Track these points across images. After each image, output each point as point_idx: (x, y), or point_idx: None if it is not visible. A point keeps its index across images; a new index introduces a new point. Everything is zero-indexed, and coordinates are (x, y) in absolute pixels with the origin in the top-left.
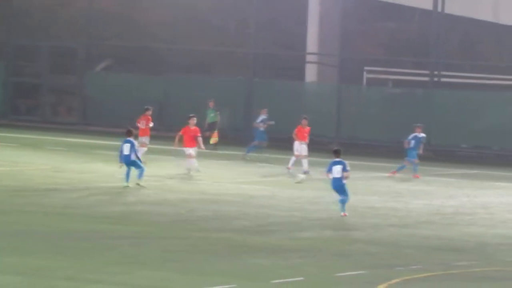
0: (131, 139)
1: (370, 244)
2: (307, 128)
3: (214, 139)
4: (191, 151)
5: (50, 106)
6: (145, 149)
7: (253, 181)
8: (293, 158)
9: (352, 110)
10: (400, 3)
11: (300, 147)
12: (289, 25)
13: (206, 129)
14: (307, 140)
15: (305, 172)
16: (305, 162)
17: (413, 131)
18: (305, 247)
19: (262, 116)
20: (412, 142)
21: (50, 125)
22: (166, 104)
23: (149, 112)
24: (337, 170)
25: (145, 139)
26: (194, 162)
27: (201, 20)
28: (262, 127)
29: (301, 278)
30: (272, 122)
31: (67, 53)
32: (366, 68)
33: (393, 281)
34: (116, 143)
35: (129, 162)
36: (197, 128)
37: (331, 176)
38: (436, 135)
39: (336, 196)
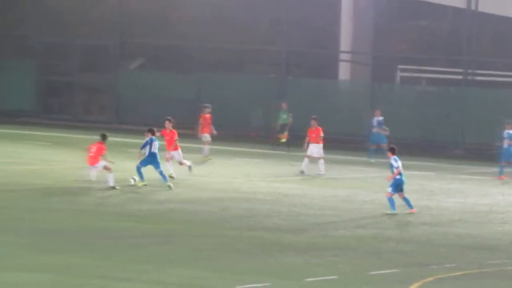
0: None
1: (403, 243)
2: (317, 129)
3: (283, 138)
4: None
5: (82, 104)
6: (208, 146)
7: (286, 180)
8: (305, 160)
9: (385, 108)
10: (433, 1)
11: (312, 148)
12: (322, 23)
13: (278, 131)
14: (318, 141)
15: (320, 173)
16: (320, 163)
17: (505, 128)
18: (338, 245)
19: (377, 118)
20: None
21: (82, 123)
22: (198, 102)
23: (208, 110)
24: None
25: (205, 137)
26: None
27: (232, 18)
28: (382, 131)
29: (335, 277)
30: (386, 131)
31: (99, 51)
32: (399, 66)
33: (427, 279)
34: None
35: (151, 161)
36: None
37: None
38: (470, 133)
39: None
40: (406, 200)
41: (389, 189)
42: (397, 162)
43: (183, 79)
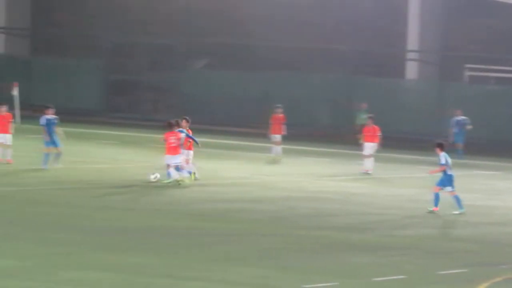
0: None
1: (470, 242)
2: (374, 127)
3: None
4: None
5: (149, 103)
6: (279, 147)
7: (353, 179)
8: (365, 160)
9: (453, 107)
10: (501, 0)
11: (367, 147)
12: (389, 21)
13: (357, 131)
14: (373, 140)
15: (366, 172)
16: (367, 162)
17: None
18: (405, 244)
19: (457, 118)
20: None
21: (149, 122)
22: (264, 101)
23: (280, 110)
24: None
25: (275, 137)
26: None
27: (298, 17)
28: (467, 128)
29: (403, 276)
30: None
31: (166, 50)
32: (467, 65)
33: (495, 279)
34: (216, 140)
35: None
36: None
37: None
38: None
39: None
40: (456, 198)
41: (438, 185)
42: (444, 158)
43: (249, 78)
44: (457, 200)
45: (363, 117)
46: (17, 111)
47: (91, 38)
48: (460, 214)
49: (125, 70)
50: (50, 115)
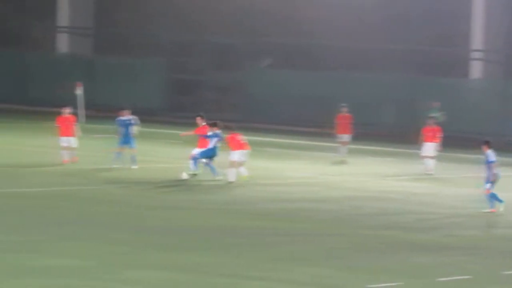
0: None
1: None
2: (434, 128)
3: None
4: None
5: (212, 102)
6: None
7: (417, 179)
8: (425, 161)
9: None
10: None
11: (427, 147)
12: (452, 20)
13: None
14: (433, 140)
15: (427, 173)
16: (428, 162)
17: None
18: (469, 244)
19: None
20: None
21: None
22: (328, 100)
23: (345, 110)
24: None
25: (342, 137)
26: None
27: (363, 16)
28: None
29: (468, 276)
30: None
31: (228, 49)
32: None
33: None
34: (280, 140)
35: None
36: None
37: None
38: None
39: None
40: (494, 196)
41: (487, 186)
42: (493, 156)
43: (313, 77)
44: (493, 197)
45: (437, 115)
46: (81, 111)
47: (154, 37)
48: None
49: (189, 69)
50: (126, 116)
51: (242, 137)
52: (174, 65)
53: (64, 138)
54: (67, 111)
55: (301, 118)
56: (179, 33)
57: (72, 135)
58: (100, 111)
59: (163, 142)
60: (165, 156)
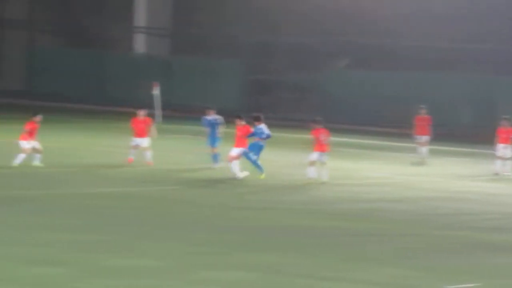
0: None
1: None
2: (509, 129)
3: None
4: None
5: (290, 103)
6: (424, 148)
7: (494, 179)
8: (497, 162)
9: None
10: None
11: (502, 149)
12: None
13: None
14: (507, 142)
15: (496, 173)
16: (499, 163)
17: None
18: None
19: None
20: None
21: (291, 122)
22: (404, 101)
23: (424, 111)
24: None
25: (420, 138)
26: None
27: (440, 15)
28: None
29: None
30: None
31: (306, 50)
32: None
33: None
34: (357, 140)
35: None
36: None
37: None
38: None
39: None
40: None
41: None
42: None
43: (391, 77)
44: None
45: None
46: (158, 111)
47: (231, 37)
48: None
49: (266, 70)
50: (211, 116)
51: (326, 136)
52: (251, 66)
53: (138, 139)
54: (142, 113)
55: (378, 119)
56: (257, 34)
57: (145, 136)
58: (176, 111)
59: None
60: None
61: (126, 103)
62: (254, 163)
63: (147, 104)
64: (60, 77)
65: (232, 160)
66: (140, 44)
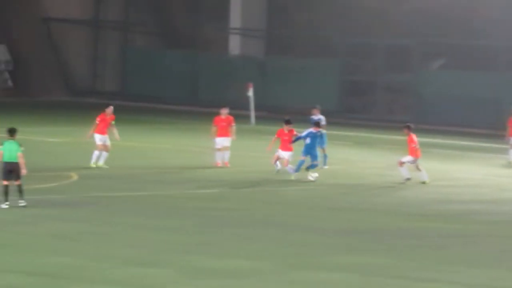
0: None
1: None
2: None
3: None
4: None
5: (384, 104)
6: None
7: None
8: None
9: None
10: None
11: None
12: None
13: None
14: None
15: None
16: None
17: None
18: None
19: None
20: None
21: (384, 123)
22: (498, 102)
23: None
24: None
25: None
26: None
27: None
28: None
29: None
30: None
31: (402, 51)
32: None
33: None
34: (451, 141)
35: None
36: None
37: None
38: None
39: None
40: None
41: None
42: None
43: (485, 79)
44: None
45: None
46: (252, 112)
47: (326, 38)
48: None
49: (361, 70)
50: (317, 116)
51: (415, 141)
52: (346, 67)
53: (219, 139)
54: (224, 112)
55: (472, 120)
56: (352, 34)
57: (228, 135)
58: (271, 113)
59: (334, 144)
60: (334, 157)
61: (220, 104)
62: (300, 165)
63: (241, 105)
64: (154, 78)
65: (287, 164)
66: (234, 45)
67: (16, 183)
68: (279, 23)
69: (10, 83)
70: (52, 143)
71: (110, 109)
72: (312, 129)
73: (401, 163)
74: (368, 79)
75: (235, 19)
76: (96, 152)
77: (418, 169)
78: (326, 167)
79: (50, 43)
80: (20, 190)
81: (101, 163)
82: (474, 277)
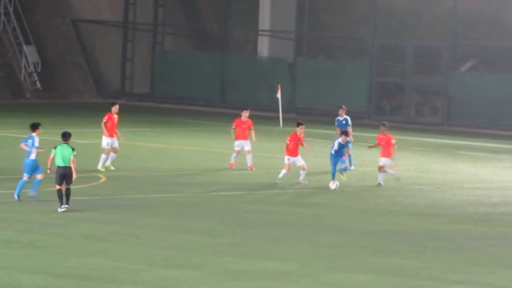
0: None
1: None
2: None
3: None
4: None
5: (414, 106)
6: None
7: None
8: None
9: None
10: None
11: None
12: None
13: None
14: None
15: None
16: None
17: None
18: None
19: None
20: None
21: (414, 125)
22: None
23: None
24: None
25: None
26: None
27: None
28: None
29: None
30: None
31: (432, 53)
32: None
33: None
34: (480, 144)
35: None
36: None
37: None
38: None
39: None
40: None
41: None
42: None
43: None
44: None
45: None
46: (280, 115)
47: (356, 40)
48: None
49: (391, 72)
50: (343, 117)
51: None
52: (377, 68)
53: (238, 142)
54: (245, 114)
55: (501, 122)
56: (382, 36)
57: (247, 138)
58: (300, 115)
59: (364, 146)
60: (362, 159)
61: (248, 106)
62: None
63: (270, 108)
64: (183, 80)
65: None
66: (264, 46)
67: (65, 186)
68: (308, 25)
69: (38, 84)
70: (81, 144)
71: (115, 108)
72: (340, 140)
73: (382, 169)
74: (398, 81)
75: (265, 21)
76: (103, 156)
77: (385, 171)
78: (352, 167)
79: (79, 44)
80: (67, 194)
81: (108, 163)
82: (505, 279)
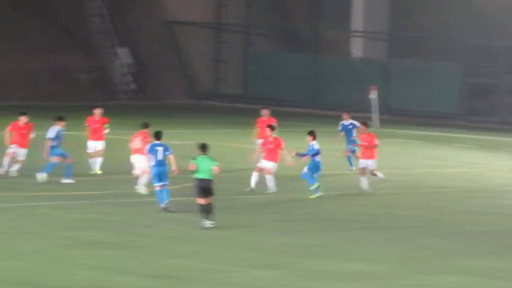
0: None
1: None
2: None
3: None
4: None
5: (508, 106)
6: None
7: None
8: None
9: None
10: None
11: None
12: None
13: None
14: None
15: None
16: None
17: None
18: None
19: None
20: None
21: (508, 126)
22: None
23: None
24: None
25: None
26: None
27: None
28: None
29: None
30: None
31: None
32: None
33: None
34: None
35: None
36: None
37: None
38: None
39: None
40: None
41: None
42: None
43: None
44: None
45: None
46: (375, 115)
47: (450, 40)
48: None
49: (484, 73)
50: (348, 121)
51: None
52: (470, 69)
53: (259, 142)
54: (265, 113)
55: None
56: (476, 37)
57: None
58: (393, 115)
59: (456, 146)
60: (458, 160)
61: (342, 107)
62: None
63: (363, 108)
64: (275, 81)
65: (269, 173)
66: (357, 48)
67: (207, 201)
68: (401, 25)
69: (133, 85)
70: (175, 145)
71: (98, 111)
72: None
73: (373, 173)
74: (490, 81)
75: (357, 22)
76: (90, 160)
77: (374, 174)
78: (353, 168)
79: (173, 46)
80: (208, 210)
81: (96, 169)
82: None
